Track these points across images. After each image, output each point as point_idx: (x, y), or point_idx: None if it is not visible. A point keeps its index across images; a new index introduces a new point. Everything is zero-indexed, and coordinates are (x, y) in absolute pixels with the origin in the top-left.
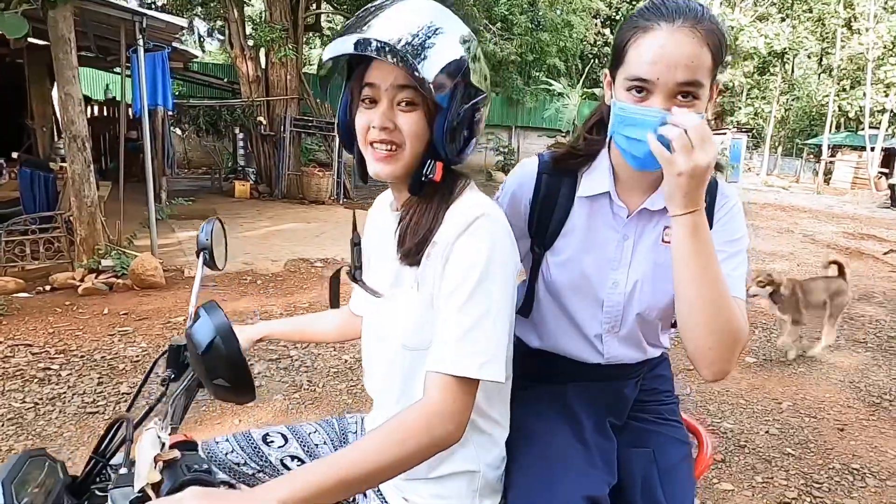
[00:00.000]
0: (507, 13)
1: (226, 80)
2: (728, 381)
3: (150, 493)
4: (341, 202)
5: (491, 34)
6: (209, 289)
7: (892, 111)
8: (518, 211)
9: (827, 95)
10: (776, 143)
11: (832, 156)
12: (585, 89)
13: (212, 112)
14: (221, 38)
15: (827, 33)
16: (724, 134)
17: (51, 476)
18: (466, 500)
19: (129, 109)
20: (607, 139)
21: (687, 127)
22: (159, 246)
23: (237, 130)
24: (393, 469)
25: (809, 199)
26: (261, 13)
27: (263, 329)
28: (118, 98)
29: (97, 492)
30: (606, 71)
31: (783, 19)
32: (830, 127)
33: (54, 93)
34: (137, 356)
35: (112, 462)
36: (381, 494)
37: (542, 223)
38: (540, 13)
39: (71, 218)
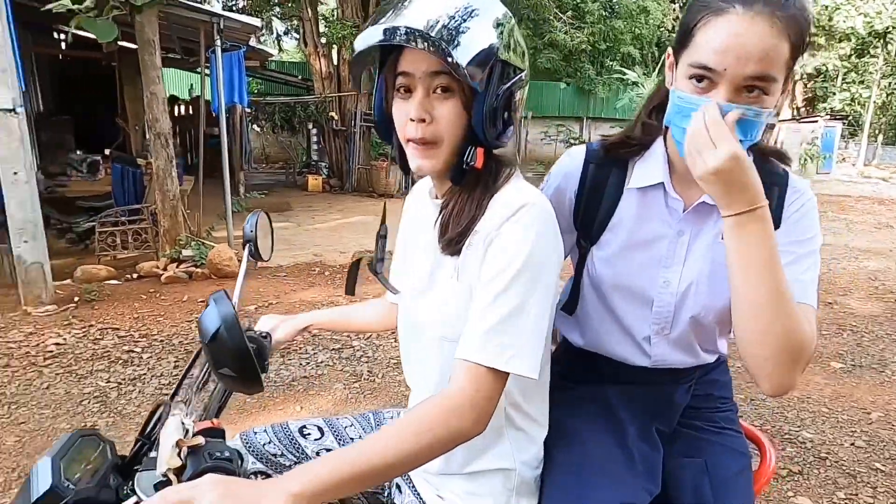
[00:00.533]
0: (579, 1)
1: (300, 77)
2: (810, 388)
3: (172, 477)
4: None
5: (561, 23)
6: (280, 278)
7: None
8: (563, 203)
9: None
10: (876, 131)
11: None
12: (661, 78)
13: (287, 109)
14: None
15: None
16: (816, 122)
17: (100, 455)
18: (501, 499)
19: (209, 107)
20: (664, 126)
21: (704, 124)
22: (235, 237)
23: (310, 126)
24: (408, 463)
25: None
26: (333, 11)
27: (308, 319)
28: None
29: (134, 485)
30: (670, 50)
31: None
32: None
33: None
34: None
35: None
36: (416, 491)
37: (589, 216)
38: (614, 0)
39: (156, 210)
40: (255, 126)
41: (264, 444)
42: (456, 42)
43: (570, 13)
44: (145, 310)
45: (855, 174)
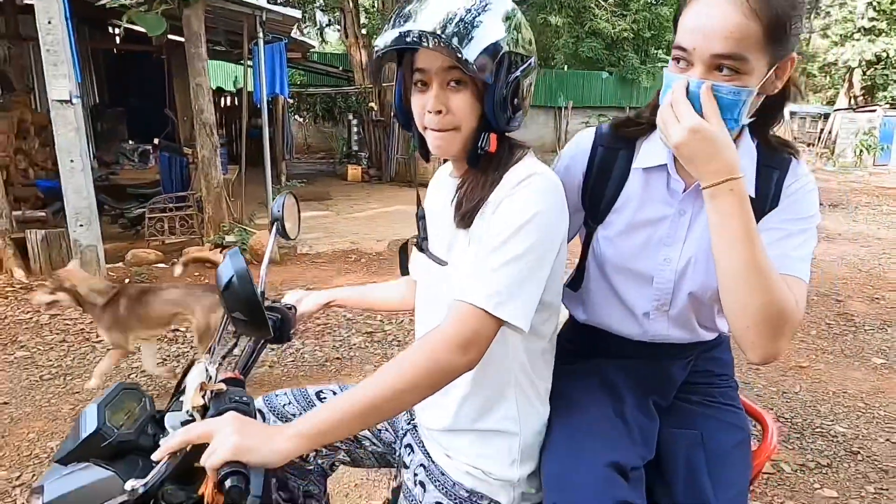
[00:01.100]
0: None
1: (341, 68)
2: (847, 382)
3: (196, 416)
4: None
5: (603, 11)
6: (318, 264)
7: None
8: (572, 183)
9: None
10: None
11: None
12: None
13: (328, 99)
14: (339, 28)
15: None
16: (874, 111)
17: (140, 407)
18: (506, 461)
19: (252, 98)
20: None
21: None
22: None
23: (351, 117)
24: (403, 397)
25: None
26: (374, 2)
27: (331, 295)
28: (244, 88)
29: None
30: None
31: None
32: None
33: None
34: None
35: None
36: (426, 450)
37: (596, 196)
38: None
39: (201, 198)
40: (296, 117)
41: (284, 406)
42: (465, 40)
43: (612, 1)
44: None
45: None
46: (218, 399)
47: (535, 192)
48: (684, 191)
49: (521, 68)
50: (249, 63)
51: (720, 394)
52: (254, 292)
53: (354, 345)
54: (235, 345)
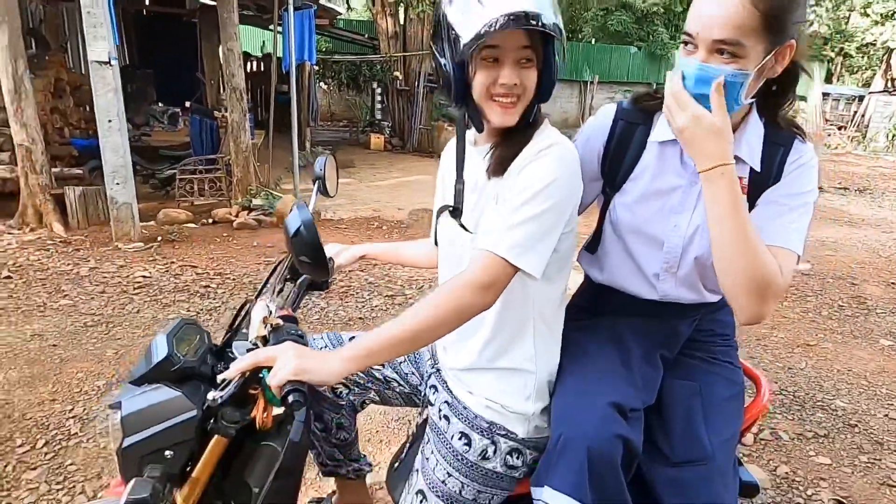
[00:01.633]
0: None
1: (367, 36)
2: (853, 361)
3: (260, 344)
4: None
5: None
6: (342, 230)
7: None
8: (592, 154)
9: None
10: None
11: None
12: None
13: (353, 67)
14: None
15: None
16: None
17: (200, 339)
18: (522, 397)
19: (280, 64)
20: None
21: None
22: (301, 190)
23: (375, 85)
24: (428, 330)
25: None
26: None
27: (365, 249)
28: (272, 54)
29: (230, 355)
30: None
31: None
32: None
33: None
34: None
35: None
36: (449, 388)
37: (614, 166)
38: None
39: (230, 161)
40: (321, 84)
41: (322, 348)
42: (553, 22)
43: None
44: (219, 251)
45: None
46: (277, 331)
47: (555, 159)
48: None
49: (559, 44)
50: (279, 29)
51: (720, 352)
52: (318, 239)
53: (376, 306)
54: (283, 288)
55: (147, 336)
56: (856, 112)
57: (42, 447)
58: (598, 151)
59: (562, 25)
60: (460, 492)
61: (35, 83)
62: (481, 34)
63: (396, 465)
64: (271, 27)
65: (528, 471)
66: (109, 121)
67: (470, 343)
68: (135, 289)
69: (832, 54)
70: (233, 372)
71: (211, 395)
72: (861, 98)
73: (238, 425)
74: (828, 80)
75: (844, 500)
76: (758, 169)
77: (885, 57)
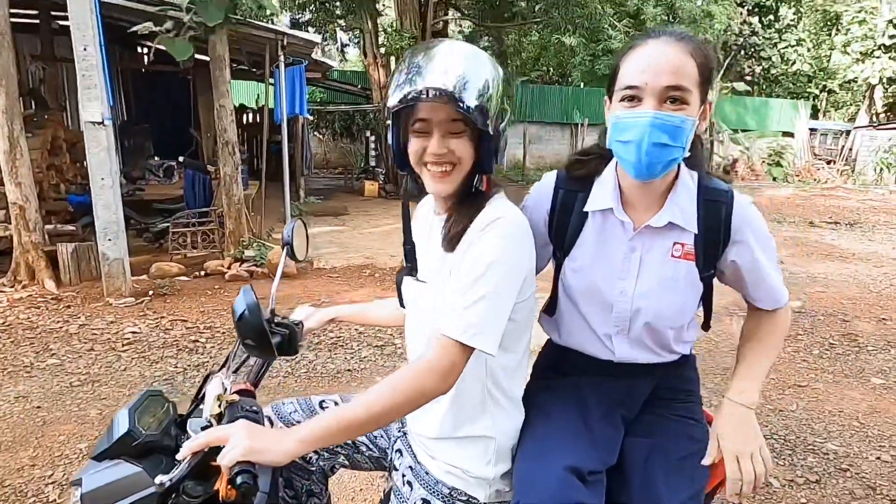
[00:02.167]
0: (638, 5)
1: (360, 86)
2: (844, 402)
3: (214, 422)
4: None
5: (617, 31)
6: (333, 279)
7: None
8: (539, 221)
9: None
10: None
11: None
12: (726, 83)
13: (346, 117)
14: (359, 46)
15: None
16: None
17: (164, 411)
18: (482, 462)
19: (273, 117)
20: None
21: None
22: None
23: (368, 133)
24: (385, 415)
25: None
26: (392, 23)
27: (334, 311)
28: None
29: (186, 432)
30: (606, 97)
31: None
32: None
33: None
34: None
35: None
36: (413, 453)
37: (560, 233)
38: (676, 4)
39: (222, 213)
40: (316, 133)
41: (290, 413)
42: (469, 96)
43: (625, 21)
44: (210, 304)
45: None
46: (232, 408)
47: (498, 236)
48: (634, 229)
49: (505, 119)
50: (271, 82)
51: (683, 408)
52: (262, 323)
53: (364, 357)
54: (248, 358)
55: (133, 395)
56: (843, 146)
57: None
58: (544, 220)
59: (490, 103)
60: None
61: (32, 142)
62: (391, 107)
63: None
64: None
65: None
66: (102, 179)
67: (432, 413)
68: (123, 345)
69: (816, 91)
70: (184, 452)
71: (159, 478)
72: (848, 132)
73: (200, 499)
74: (814, 115)
75: None
76: (695, 231)
77: (867, 93)
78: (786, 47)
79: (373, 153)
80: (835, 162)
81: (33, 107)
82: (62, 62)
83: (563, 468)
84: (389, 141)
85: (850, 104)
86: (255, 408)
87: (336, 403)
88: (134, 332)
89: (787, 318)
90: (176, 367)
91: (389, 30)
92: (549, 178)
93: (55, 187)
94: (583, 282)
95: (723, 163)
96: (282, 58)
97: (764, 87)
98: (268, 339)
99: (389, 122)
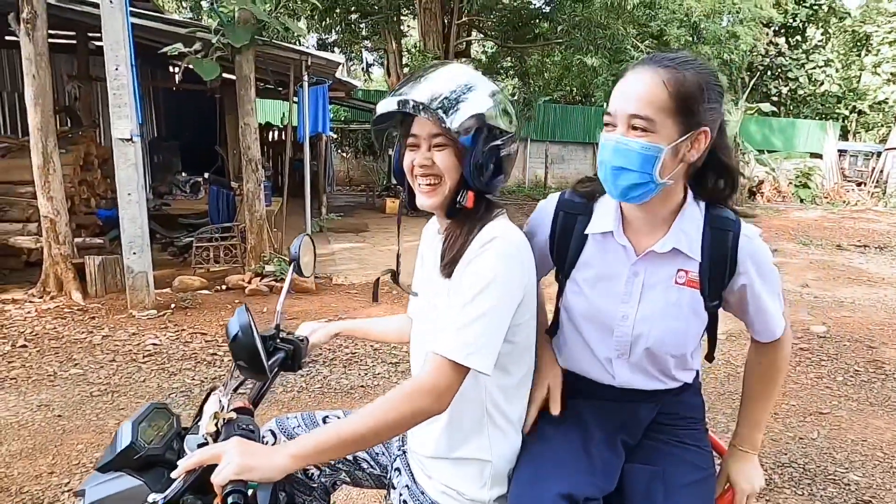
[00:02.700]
0: (662, 26)
1: None
2: (868, 431)
3: (209, 440)
4: None
5: (639, 52)
6: (352, 295)
7: None
8: (541, 243)
9: None
10: None
11: None
12: (752, 104)
13: (369, 135)
14: (384, 66)
15: None
16: None
17: (168, 425)
18: (478, 484)
19: (296, 135)
20: None
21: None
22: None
23: (391, 152)
24: (378, 432)
25: None
26: (416, 43)
27: (339, 326)
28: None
29: (184, 450)
30: None
31: None
32: None
33: None
34: None
35: None
36: (411, 472)
37: (561, 255)
38: (700, 25)
39: (244, 229)
40: (339, 151)
41: (294, 428)
42: (449, 111)
43: (647, 42)
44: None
45: None
46: (229, 426)
47: (495, 256)
48: (637, 254)
49: (501, 139)
50: (295, 101)
51: (686, 435)
52: (255, 345)
53: (378, 374)
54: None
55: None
56: (874, 168)
57: None
58: (545, 242)
59: (473, 119)
60: None
61: (65, 157)
62: (374, 117)
63: None
64: (289, 100)
65: None
66: (129, 193)
67: (429, 431)
68: (144, 357)
69: (846, 112)
70: (179, 471)
71: (151, 497)
72: (879, 154)
73: None
74: (844, 136)
75: None
76: (698, 259)
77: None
78: (813, 68)
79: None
80: (865, 184)
81: (68, 123)
82: (97, 81)
83: (558, 495)
84: (394, 157)
85: (882, 125)
86: (251, 426)
87: (338, 418)
88: (155, 344)
89: (787, 346)
90: (193, 379)
91: (413, 50)
92: (552, 200)
93: (86, 202)
94: (583, 305)
95: (748, 184)
96: (305, 77)
97: (791, 107)
98: (260, 361)
99: (373, 139)
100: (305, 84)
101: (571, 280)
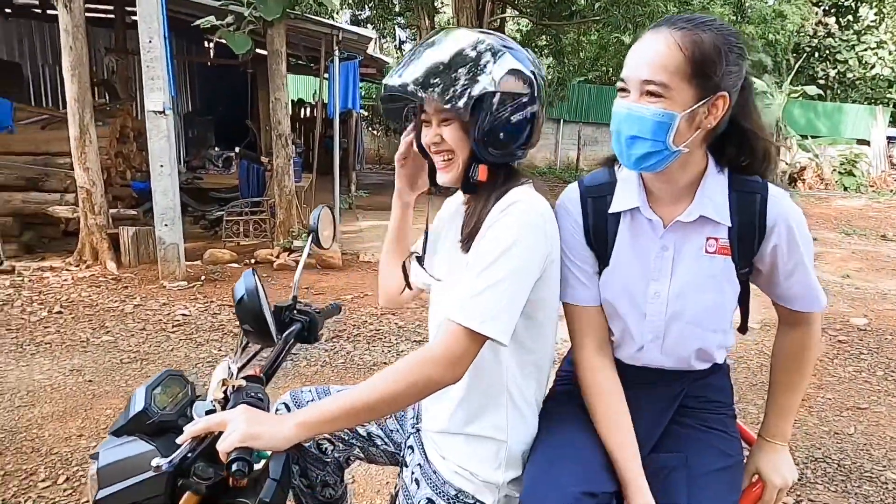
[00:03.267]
0: (706, 4)
1: None
2: None
3: (217, 407)
4: None
5: None
6: (377, 272)
7: None
8: (575, 234)
9: None
10: None
11: None
12: (796, 86)
13: None
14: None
15: None
16: None
17: (183, 392)
18: (492, 465)
19: (327, 111)
20: None
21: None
22: (343, 232)
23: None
24: (389, 402)
25: None
26: (449, 20)
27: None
28: (323, 101)
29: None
30: None
31: None
32: None
33: None
34: None
35: None
36: (424, 451)
37: (599, 242)
38: (746, 3)
39: (274, 204)
40: (370, 129)
41: (308, 401)
42: (442, 87)
43: None
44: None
45: None
46: (238, 393)
47: (516, 221)
48: (664, 227)
49: (512, 104)
50: (326, 77)
51: (714, 420)
52: (260, 309)
53: (402, 351)
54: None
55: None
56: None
57: (62, 483)
58: (580, 232)
59: (468, 90)
60: None
61: (102, 130)
62: (381, 99)
63: None
64: (320, 76)
65: None
66: (161, 165)
67: (443, 405)
68: (173, 327)
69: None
70: (184, 436)
71: (156, 461)
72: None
73: (210, 482)
74: (894, 123)
75: None
76: (728, 224)
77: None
78: (865, 50)
79: None
80: None
81: (106, 97)
82: (134, 55)
83: (576, 493)
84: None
85: None
86: (259, 394)
87: None
88: (184, 315)
89: (818, 326)
90: (220, 350)
91: (447, 27)
92: (573, 189)
93: (122, 174)
94: (615, 286)
95: (789, 170)
96: (336, 52)
97: (839, 91)
98: (266, 324)
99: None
100: (336, 59)
101: (608, 261)
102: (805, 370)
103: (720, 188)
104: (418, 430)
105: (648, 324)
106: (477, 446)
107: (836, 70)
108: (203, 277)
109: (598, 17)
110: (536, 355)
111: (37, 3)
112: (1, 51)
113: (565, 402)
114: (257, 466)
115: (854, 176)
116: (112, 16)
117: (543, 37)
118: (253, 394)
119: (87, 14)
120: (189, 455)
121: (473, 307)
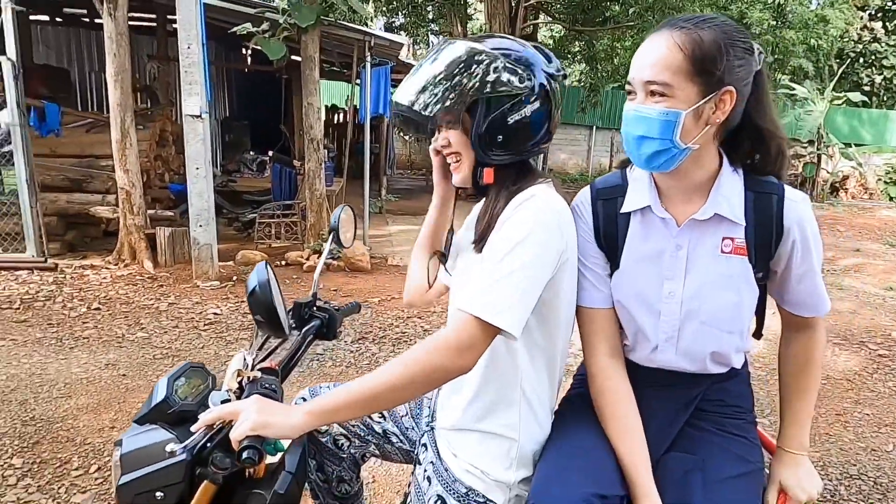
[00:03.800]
0: (743, 8)
1: None
2: None
3: (232, 397)
4: None
5: None
6: (404, 275)
7: None
8: (586, 236)
9: None
10: None
11: None
12: (839, 93)
13: None
14: None
15: None
16: None
17: (204, 383)
18: (503, 464)
19: (358, 117)
20: None
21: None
22: (372, 236)
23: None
24: (399, 391)
25: None
26: (482, 27)
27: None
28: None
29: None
30: None
31: None
32: None
33: None
34: None
35: None
36: (437, 449)
37: (610, 244)
38: (787, 8)
39: (305, 207)
40: (402, 134)
41: None
42: (431, 103)
43: None
44: (287, 293)
45: None
46: (252, 384)
47: (531, 215)
48: (678, 226)
49: (505, 106)
50: (357, 83)
51: (733, 424)
52: (271, 300)
53: None
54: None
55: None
56: None
57: (94, 472)
58: (591, 235)
59: (461, 97)
60: None
61: (142, 133)
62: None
63: None
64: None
65: None
66: (197, 168)
67: (456, 400)
68: (205, 325)
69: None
70: (198, 424)
71: (170, 447)
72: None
73: (226, 472)
74: None
75: None
76: (743, 223)
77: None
78: None
79: None
80: None
81: (148, 102)
82: (174, 61)
83: (586, 496)
84: None
85: None
86: (273, 386)
87: None
88: (215, 314)
89: (823, 332)
90: (248, 349)
91: (479, 34)
92: (585, 191)
93: (160, 176)
94: (630, 285)
95: (831, 179)
96: (368, 58)
97: (885, 98)
98: (277, 316)
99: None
100: (368, 65)
101: (620, 263)
102: (814, 373)
103: (735, 187)
104: (433, 429)
105: (663, 323)
106: (489, 444)
107: (881, 76)
108: (235, 278)
109: (632, 23)
110: (550, 355)
111: (85, 11)
112: (51, 57)
113: (580, 405)
114: (273, 459)
115: None
116: (154, 24)
117: (577, 43)
118: (267, 385)
119: (130, 22)
120: (207, 444)
121: (485, 298)
